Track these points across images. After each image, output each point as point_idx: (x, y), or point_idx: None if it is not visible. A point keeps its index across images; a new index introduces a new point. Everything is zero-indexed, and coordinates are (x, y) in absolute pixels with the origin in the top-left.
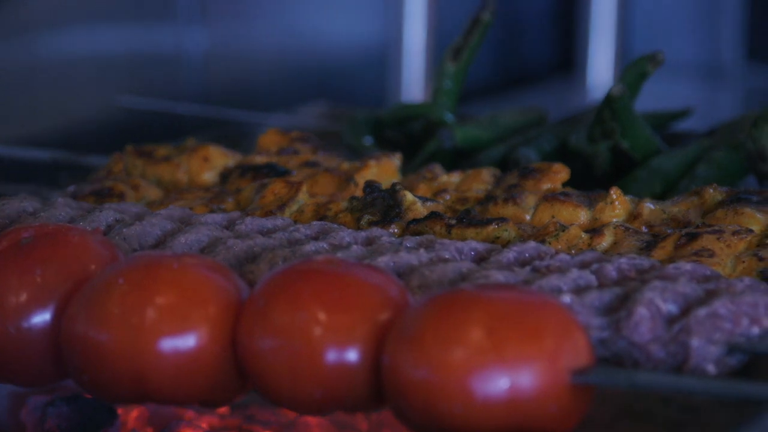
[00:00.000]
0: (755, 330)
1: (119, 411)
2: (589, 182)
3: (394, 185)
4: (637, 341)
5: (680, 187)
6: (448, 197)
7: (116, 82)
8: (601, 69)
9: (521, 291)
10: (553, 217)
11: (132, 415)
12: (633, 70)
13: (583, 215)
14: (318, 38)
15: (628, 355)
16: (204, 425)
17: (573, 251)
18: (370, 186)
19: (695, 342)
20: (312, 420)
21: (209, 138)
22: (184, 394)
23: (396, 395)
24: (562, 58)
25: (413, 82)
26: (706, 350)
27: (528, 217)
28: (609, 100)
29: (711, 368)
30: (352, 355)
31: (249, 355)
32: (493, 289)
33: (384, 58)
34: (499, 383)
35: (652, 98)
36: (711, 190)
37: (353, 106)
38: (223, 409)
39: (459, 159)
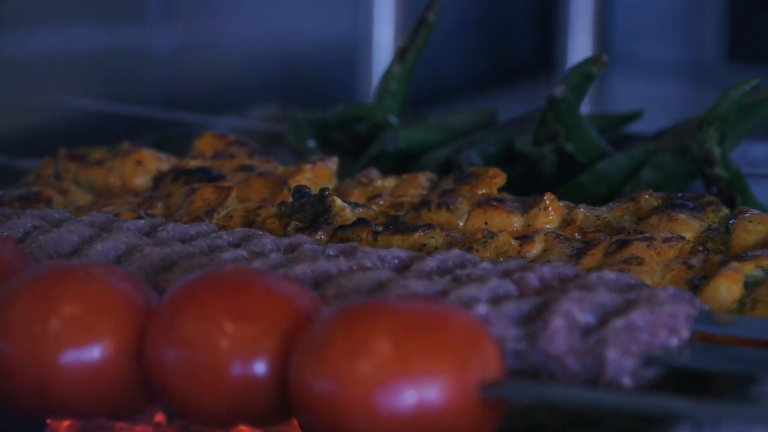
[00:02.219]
0: (674, 341)
1: (48, 421)
2: (536, 185)
3: (322, 190)
4: (552, 353)
5: (625, 192)
6: (382, 202)
7: (81, 83)
8: None
9: (430, 302)
10: (486, 223)
11: (63, 424)
12: (577, 71)
13: (516, 221)
14: (288, 37)
15: (544, 368)
16: None
17: (501, 259)
18: (299, 191)
19: (611, 354)
20: (246, 429)
21: (155, 140)
22: (88, 406)
23: (301, 409)
24: (545, 57)
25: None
26: (622, 362)
27: (461, 223)
28: (551, 102)
29: (627, 381)
30: (259, 368)
31: (154, 367)
32: (402, 301)
33: (354, 57)
34: (405, 397)
35: (633, 98)
36: (647, 196)
37: (312, 106)
38: (158, 418)
39: (404, 161)
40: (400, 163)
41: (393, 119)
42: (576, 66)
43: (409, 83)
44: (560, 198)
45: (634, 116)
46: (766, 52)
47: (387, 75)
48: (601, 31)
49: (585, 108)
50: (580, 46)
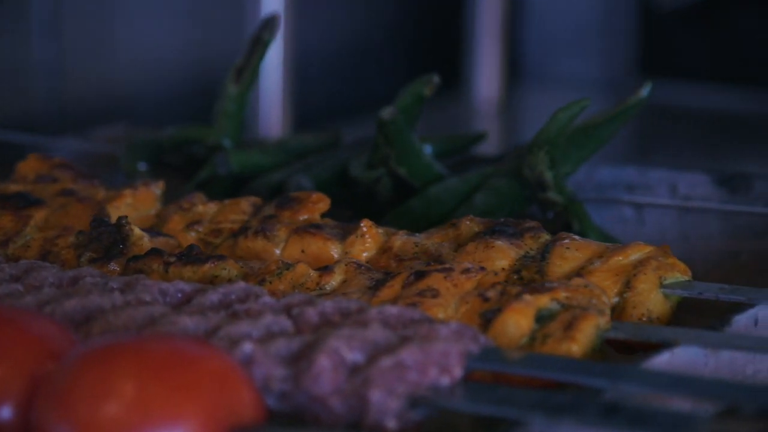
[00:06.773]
0: (445, 380)
1: None
2: (375, 210)
3: (120, 219)
4: (316, 394)
5: (457, 216)
6: (201, 229)
7: None
8: (488, 85)
9: (180, 342)
10: (303, 251)
11: None
12: (408, 93)
13: (334, 249)
14: (176, 52)
15: (308, 410)
16: None
17: (297, 291)
18: (97, 220)
19: (374, 395)
20: None
21: None
22: None
23: None
24: (455, 75)
25: (271, 102)
26: (386, 404)
27: (278, 251)
28: (380, 124)
29: (392, 424)
30: (3, 413)
31: None
32: (151, 340)
33: None
34: None
35: (546, 113)
36: (467, 222)
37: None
38: None
39: (239, 186)
40: (236, 187)
41: (226, 141)
42: (407, 88)
43: (245, 104)
44: (391, 223)
45: (478, 138)
46: (681, 67)
47: (222, 96)
48: (513, 46)
49: (493, 124)
50: (488, 62)
